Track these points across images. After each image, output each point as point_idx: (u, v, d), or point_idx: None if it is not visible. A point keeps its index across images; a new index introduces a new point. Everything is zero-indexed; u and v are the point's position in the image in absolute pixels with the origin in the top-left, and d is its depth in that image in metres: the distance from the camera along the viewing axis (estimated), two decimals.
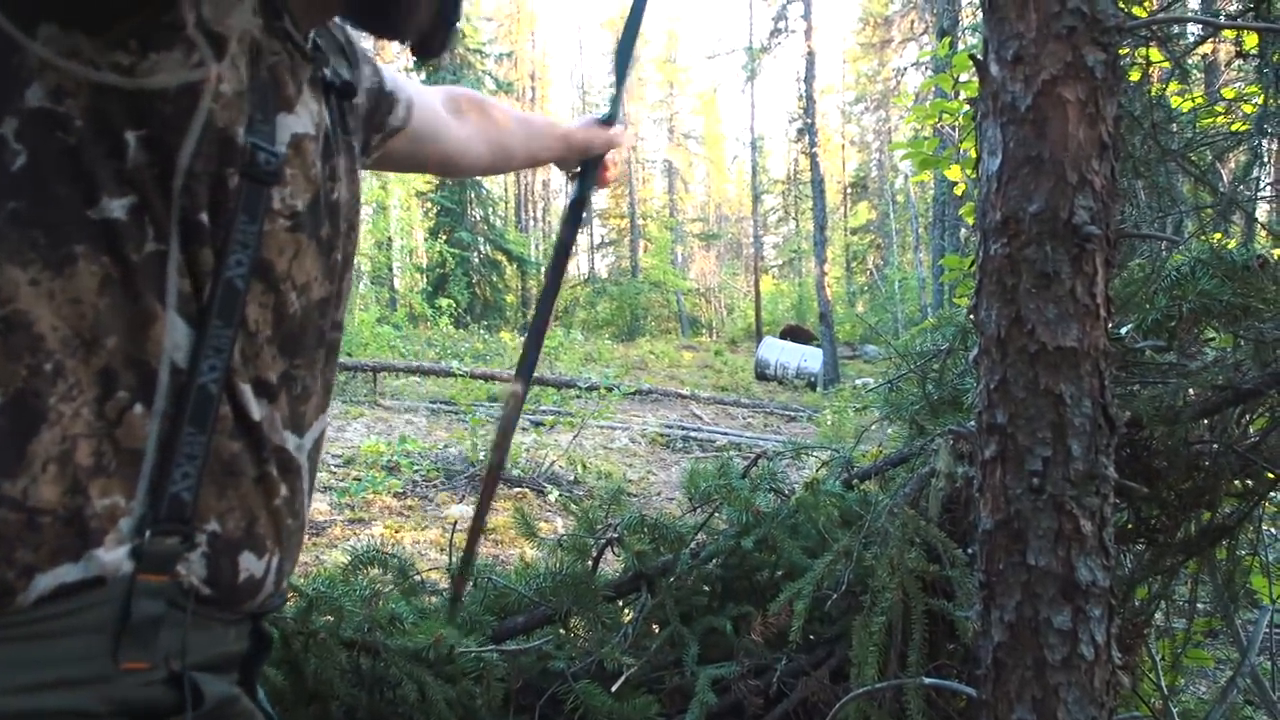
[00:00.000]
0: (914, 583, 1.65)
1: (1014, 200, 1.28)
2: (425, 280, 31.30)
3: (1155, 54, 1.90)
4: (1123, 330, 1.65)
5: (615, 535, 2.23)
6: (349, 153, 0.97)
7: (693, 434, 11.82)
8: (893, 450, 2.27)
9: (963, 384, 2.07)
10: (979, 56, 1.40)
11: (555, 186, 45.98)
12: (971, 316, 1.41)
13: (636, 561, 2.16)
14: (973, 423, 1.56)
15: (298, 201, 0.84)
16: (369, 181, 28.70)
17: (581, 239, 44.35)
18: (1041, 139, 1.28)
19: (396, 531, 5.95)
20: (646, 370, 21.26)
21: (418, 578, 2.23)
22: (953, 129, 3.17)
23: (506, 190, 40.36)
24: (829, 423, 11.83)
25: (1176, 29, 1.99)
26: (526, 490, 7.64)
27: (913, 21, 25.63)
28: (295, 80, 0.85)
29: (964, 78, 3.40)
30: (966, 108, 2.87)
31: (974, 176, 2.85)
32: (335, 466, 8.27)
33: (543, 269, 36.41)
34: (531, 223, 41.76)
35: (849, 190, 38.70)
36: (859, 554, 1.76)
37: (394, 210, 29.21)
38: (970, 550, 1.65)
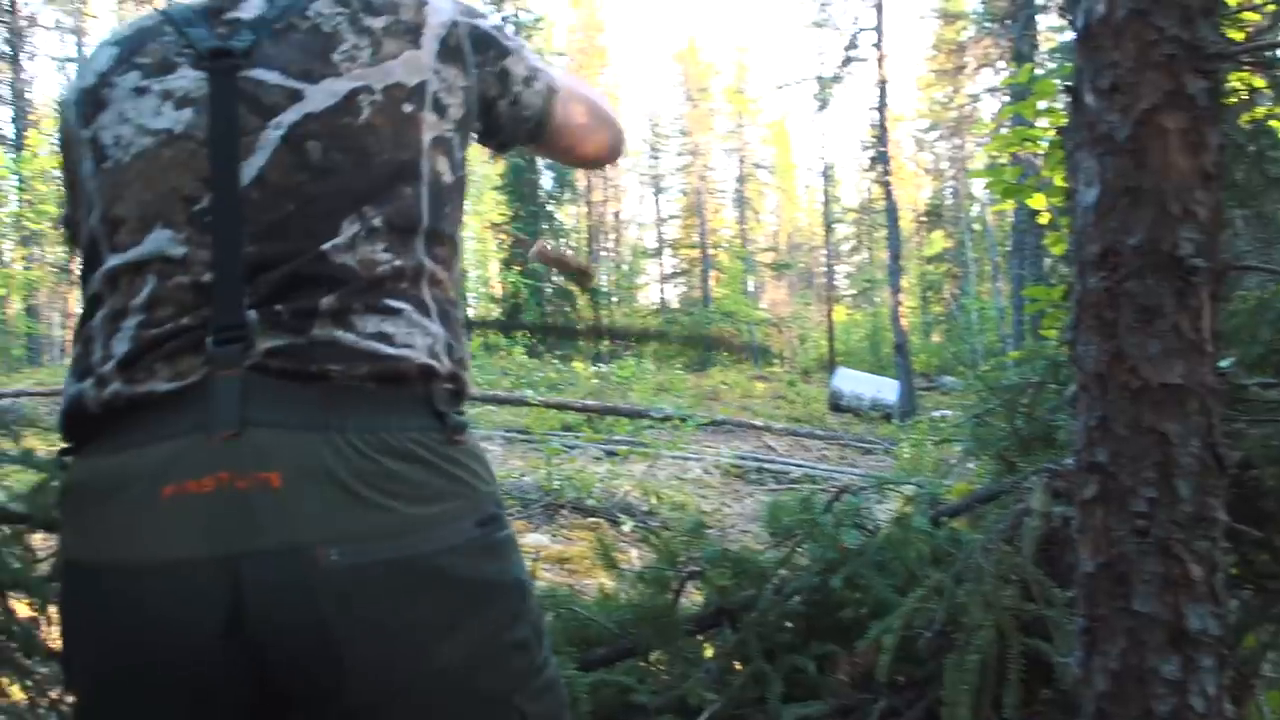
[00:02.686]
0: (1010, 622, 1.60)
1: (1113, 232, 1.25)
2: (499, 310, 31.73)
3: (1258, 80, 1.84)
4: (1226, 365, 1.59)
5: (696, 569, 2.21)
6: None
7: (767, 465, 11.71)
8: (980, 486, 2.22)
9: (1054, 419, 2.02)
10: (1072, 85, 1.37)
11: (626, 217, 46.37)
12: (1066, 350, 1.38)
13: (718, 596, 2.14)
14: (1070, 460, 1.52)
15: None
16: None
17: (653, 268, 44.61)
18: (1141, 169, 1.25)
19: None
20: (719, 400, 21.17)
21: None
22: (1035, 157, 3.11)
23: (579, 221, 40.77)
24: (907, 455, 11.63)
25: (1278, 54, 1.93)
26: (601, 520, 7.64)
27: (987, 48, 25.31)
28: None
29: (1045, 104, 3.35)
30: (1051, 135, 2.81)
31: (1060, 205, 2.80)
32: None
33: (614, 299, 36.67)
34: (603, 253, 42.07)
35: (923, 218, 38.18)
36: (951, 591, 1.71)
37: (468, 242, 29.72)
38: (1069, 592, 1.60)
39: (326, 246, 0.96)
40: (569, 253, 1.40)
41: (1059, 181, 2.64)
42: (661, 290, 44.29)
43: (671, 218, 44.46)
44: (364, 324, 0.96)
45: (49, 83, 33.95)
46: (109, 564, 0.91)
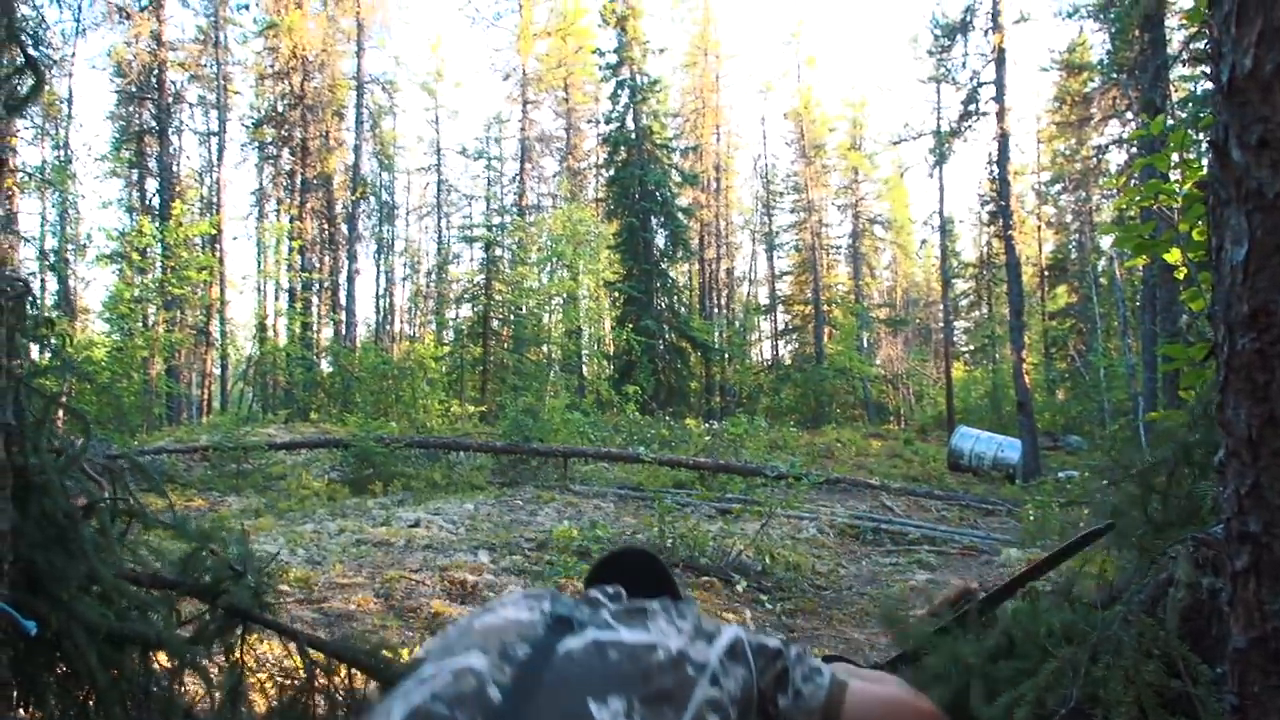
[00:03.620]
0: (1153, 698, 1.53)
1: (1263, 292, 1.21)
2: (612, 367, 32.03)
3: None
4: None
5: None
6: None
7: (883, 526, 11.45)
8: (1118, 579, 2.13)
9: (1192, 500, 1.93)
10: (1214, 139, 1.34)
11: (739, 274, 46.42)
12: (1195, 428, 1.33)
13: None
14: (1217, 528, 1.46)
15: None
16: (560, 272, 29.88)
17: (765, 326, 44.43)
18: None
19: None
20: (833, 459, 20.85)
21: None
22: (1170, 210, 3.02)
23: (691, 279, 41.01)
24: (1032, 518, 11.21)
25: None
26: (714, 579, 7.58)
27: (1114, 98, 24.62)
28: None
29: (1177, 158, 3.25)
30: (1188, 188, 2.72)
31: (1198, 260, 2.69)
32: (529, 550, 8.48)
33: (726, 356, 36.59)
34: (715, 310, 42.16)
35: (1046, 273, 37.10)
36: (1086, 667, 1.65)
37: (583, 300, 30.20)
38: (1218, 669, 1.52)
39: None
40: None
41: (1197, 236, 2.55)
42: (775, 346, 44.05)
43: (784, 274, 44.33)
44: None
45: (193, 155, 36.09)
46: None
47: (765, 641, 1.31)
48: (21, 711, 1.92)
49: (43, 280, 27.09)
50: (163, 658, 2.05)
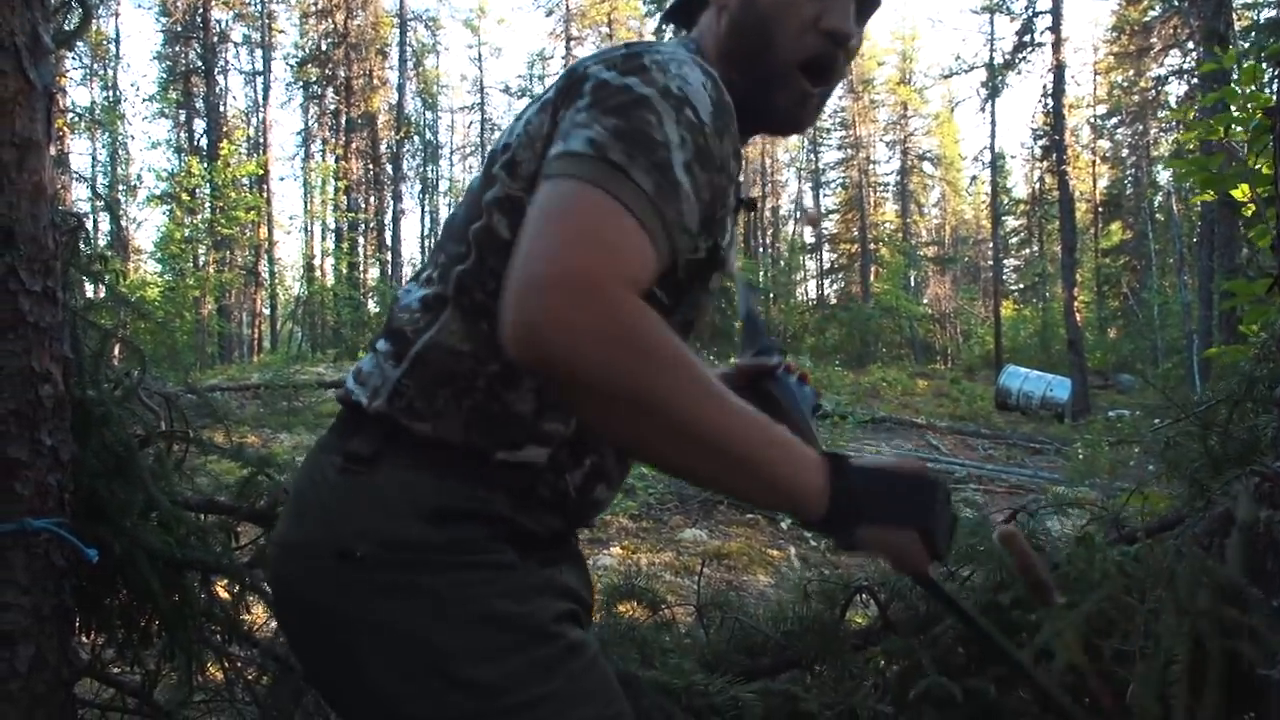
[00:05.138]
0: (1208, 625, 1.50)
1: None
2: None
3: None
4: None
5: (865, 583, 2.18)
6: None
7: (930, 465, 11.40)
8: (1169, 510, 2.10)
9: (1252, 436, 1.88)
10: None
11: (784, 213, 45.89)
12: (1261, 360, 1.29)
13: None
14: (1278, 463, 1.42)
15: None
16: None
17: (810, 264, 43.98)
18: None
19: (633, 552, 6.09)
20: (879, 398, 20.73)
21: (666, 611, 2.28)
22: (1240, 144, 2.91)
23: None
24: (1080, 457, 11.09)
25: None
26: (759, 516, 7.62)
27: (1175, 27, 23.72)
28: None
29: (1246, 90, 3.12)
30: (1258, 119, 2.62)
31: (1266, 195, 2.60)
32: None
33: (771, 294, 36.35)
34: (760, 249, 41.82)
35: (1100, 209, 36.20)
36: (1140, 599, 1.63)
37: None
38: (1275, 601, 1.50)
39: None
40: (1037, 558, 1.02)
41: (1266, 169, 2.45)
42: (820, 285, 43.69)
43: (831, 212, 43.76)
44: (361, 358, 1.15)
45: (238, 96, 36.32)
46: None
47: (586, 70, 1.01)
48: (84, 638, 1.98)
49: (95, 220, 27.58)
50: (223, 582, 2.10)
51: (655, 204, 0.85)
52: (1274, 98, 2.61)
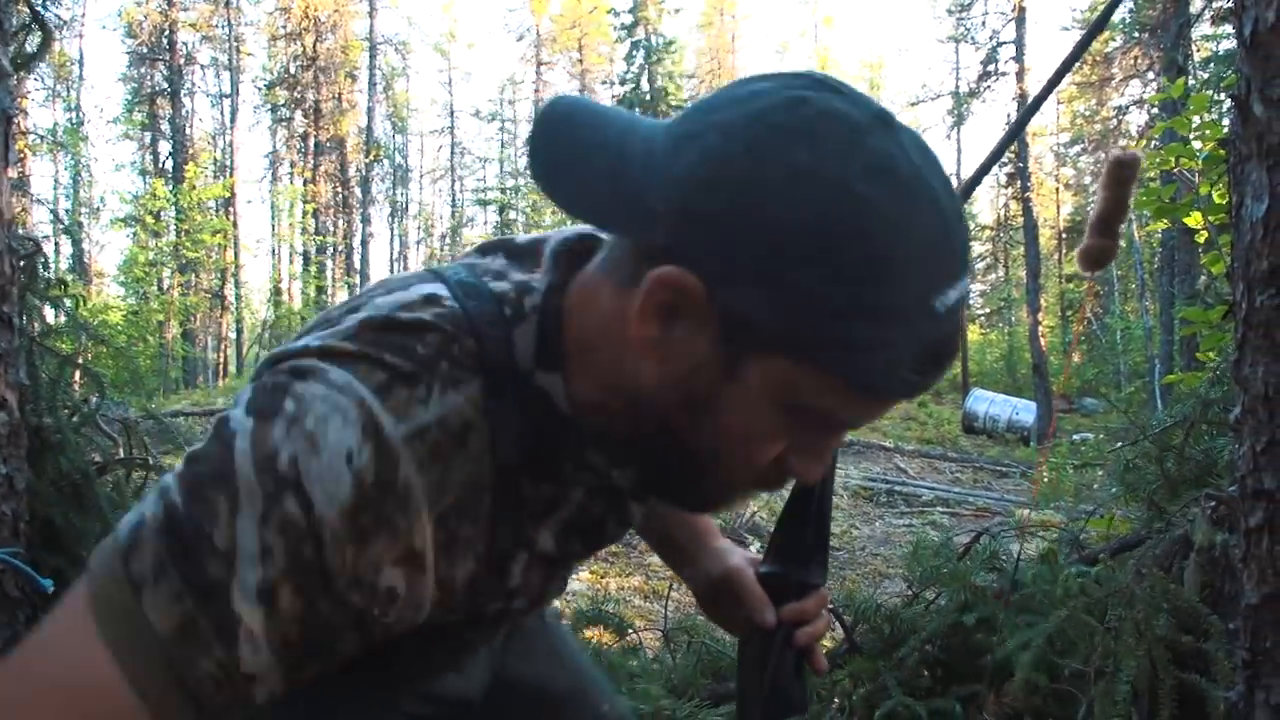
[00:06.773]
0: (1163, 652, 1.53)
1: None
2: None
3: None
4: None
5: (830, 606, 2.19)
6: None
7: (897, 488, 11.46)
8: (1128, 532, 2.13)
9: (1207, 459, 1.92)
10: (1237, 94, 1.31)
11: None
12: (1216, 384, 1.32)
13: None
14: (1233, 487, 1.45)
15: None
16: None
17: None
18: None
19: (602, 577, 6.06)
20: None
21: (633, 636, 2.27)
22: (1191, 174, 2.97)
23: None
24: (1045, 480, 11.18)
25: None
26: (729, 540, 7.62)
27: (1136, 57, 24.20)
28: None
29: (1197, 120, 3.19)
30: (1209, 149, 2.68)
31: (1218, 223, 2.66)
32: None
33: None
34: None
35: (1064, 235, 36.72)
36: (1099, 620, 1.65)
37: None
38: (1231, 624, 1.52)
39: None
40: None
41: (1218, 198, 2.51)
42: None
43: None
44: None
45: (205, 118, 36.11)
46: None
47: None
48: None
49: (57, 244, 27.23)
50: None
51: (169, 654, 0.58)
52: (1225, 129, 2.67)
